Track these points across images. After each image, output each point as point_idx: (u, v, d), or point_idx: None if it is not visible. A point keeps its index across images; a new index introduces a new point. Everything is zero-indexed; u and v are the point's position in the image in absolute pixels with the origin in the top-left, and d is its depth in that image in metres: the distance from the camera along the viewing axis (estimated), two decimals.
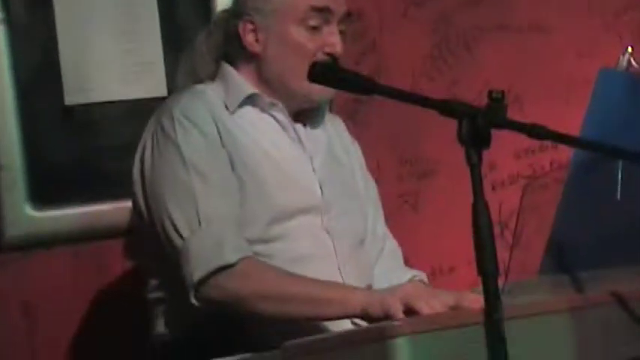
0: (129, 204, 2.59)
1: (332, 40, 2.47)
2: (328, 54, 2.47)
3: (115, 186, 2.96)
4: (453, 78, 3.42)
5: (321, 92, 2.44)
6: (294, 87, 2.47)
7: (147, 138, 2.46)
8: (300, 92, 2.47)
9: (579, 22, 3.46)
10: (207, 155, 2.39)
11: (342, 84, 2.31)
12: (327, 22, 2.48)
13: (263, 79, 2.50)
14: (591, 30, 3.47)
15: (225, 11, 2.65)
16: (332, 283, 2.35)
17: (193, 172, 2.36)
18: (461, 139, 1.92)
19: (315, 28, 2.46)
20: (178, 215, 2.35)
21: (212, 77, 2.56)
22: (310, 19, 2.46)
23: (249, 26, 2.48)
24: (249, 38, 2.49)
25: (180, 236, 2.33)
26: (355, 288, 2.36)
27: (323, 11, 2.46)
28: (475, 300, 2.03)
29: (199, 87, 2.52)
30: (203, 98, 2.47)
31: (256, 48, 2.49)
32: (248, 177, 2.42)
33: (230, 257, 2.29)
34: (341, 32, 2.50)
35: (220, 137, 2.42)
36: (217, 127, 2.43)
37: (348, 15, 2.54)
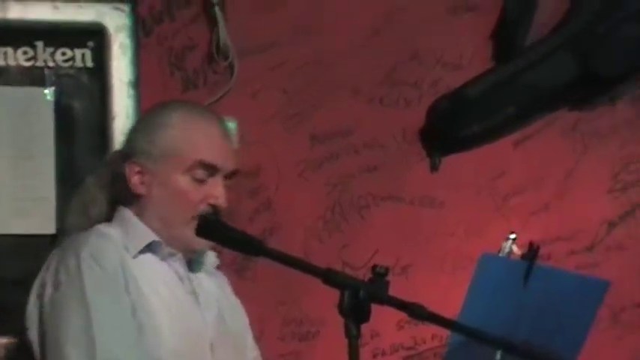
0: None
1: (216, 192, 2.48)
2: (212, 205, 2.48)
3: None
4: (343, 242, 3.45)
5: (202, 241, 2.45)
6: (176, 233, 2.46)
7: (47, 276, 2.41)
8: (181, 239, 2.46)
9: (470, 202, 3.54)
10: (112, 299, 2.36)
11: (229, 242, 2.31)
12: (212, 175, 2.50)
13: (146, 220, 2.49)
14: (481, 210, 3.54)
15: (116, 152, 2.66)
16: None
17: (95, 316, 2.32)
18: (341, 310, 1.94)
19: (201, 180, 2.48)
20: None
21: (104, 218, 2.55)
22: (197, 171, 2.48)
23: (136, 168, 2.49)
24: (134, 180, 2.49)
25: None
26: None
27: (210, 167, 2.49)
28: None
29: (103, 229, 2.50)
30: (110, 241, 2.45)
31: (141, 189, 2.49)
32: (148, 322, 2.39)
33: None
34: (226, 186, 2.52)
35: (125, 281, 2.40)
36: (123, 271, 2.40)
37: (234, 173, 2.56)
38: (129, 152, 2.52)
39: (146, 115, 2.61)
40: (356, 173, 3.48)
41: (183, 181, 2.47)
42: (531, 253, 2.87)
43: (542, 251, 3.37)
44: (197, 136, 2.49)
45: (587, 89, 3.48)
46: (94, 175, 2.61)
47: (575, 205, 3.54)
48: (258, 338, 2.77)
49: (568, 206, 3.54)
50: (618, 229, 3.54)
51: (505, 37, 3.49)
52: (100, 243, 2.43)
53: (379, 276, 1.97)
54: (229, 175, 2.53)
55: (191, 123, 2.51)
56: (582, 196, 3.54)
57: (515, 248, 2.92)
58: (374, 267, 1.97)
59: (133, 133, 2.56)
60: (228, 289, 2.70)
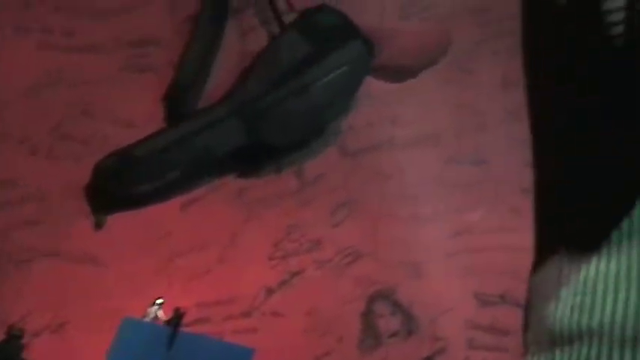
0: None
1: None
2: None
3: None
4: None
5: None
6: None
7: None
8: None
9: (133, 262, 3.51)
10: None
11: None
12: None
13: None
14: (144, 271, 3.52)
15: None
16: None
17: None
18: None
19: None
20: None
21: None
22: None
23: None
24: None
25: None
26: None
27: None
28: None
29: None
30: None
31: None
32: None
33: None
34: None
35: None
36: None
37: None
38: None
39: None
40: (16, 226, 3.38)
41: None
42: (176, 318, 2.88)
43: (201, 315, 3.41)
44: None
45: (254, 158, 3.56)
46: None
47: (236, 270, 3.59)
48: None
49: (229, 271, 3.58)
50: (276, 295, 3.62)
51: (176, 100, 3.52)
52: None
53: (14, 338, 1.92)
54: None
55: None
56: (243, 261, 3.60)
57: (160, 313, 2.93)
58: (9, 328, 1.93)
59: None
60: None
